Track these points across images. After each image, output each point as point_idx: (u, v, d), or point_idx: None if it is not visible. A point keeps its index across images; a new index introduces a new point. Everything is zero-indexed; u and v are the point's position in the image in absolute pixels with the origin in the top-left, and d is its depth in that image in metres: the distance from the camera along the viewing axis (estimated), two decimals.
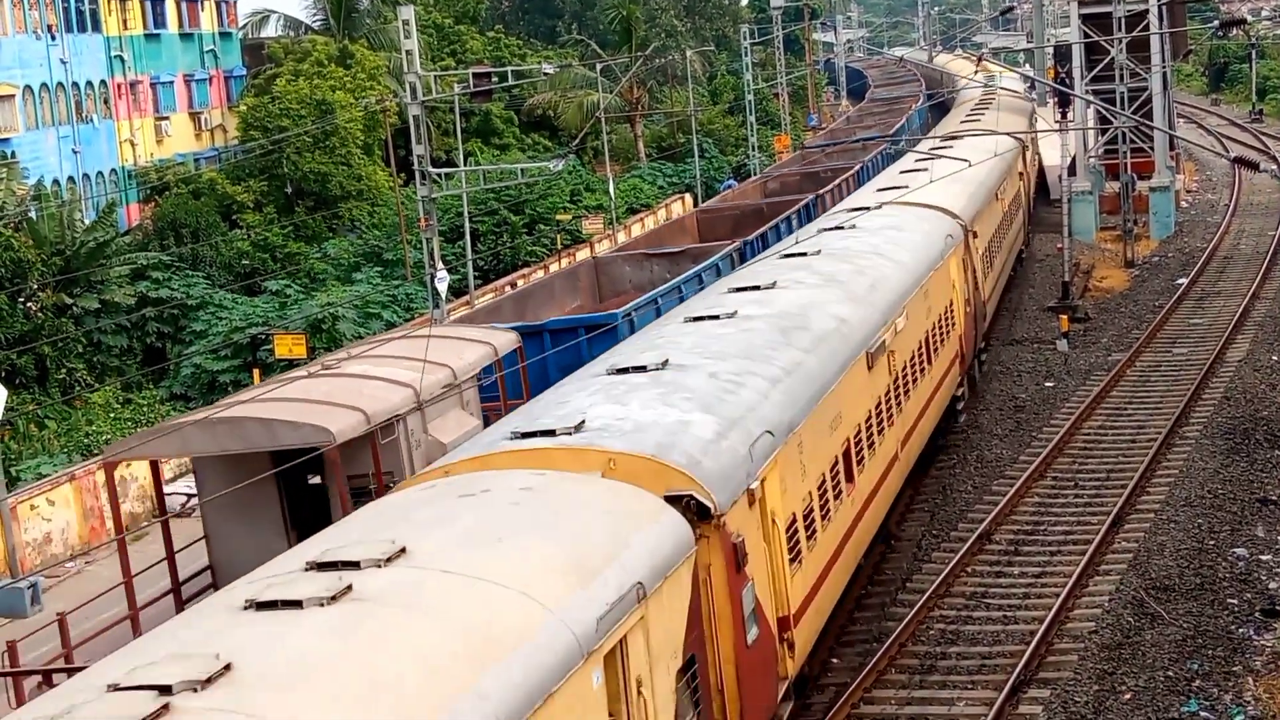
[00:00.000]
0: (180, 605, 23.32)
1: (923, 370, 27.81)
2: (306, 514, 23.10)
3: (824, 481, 20.18)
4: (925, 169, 38.73)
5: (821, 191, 49.67)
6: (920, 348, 27.67)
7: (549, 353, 27.81)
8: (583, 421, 16.80)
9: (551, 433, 16.56)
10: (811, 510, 19.37)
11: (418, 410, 23.91)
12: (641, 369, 19.34)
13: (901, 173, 41.68)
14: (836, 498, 20.76)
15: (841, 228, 31.22)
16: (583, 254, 54.25)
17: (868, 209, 33.79)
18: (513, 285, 52.14)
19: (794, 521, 18.52)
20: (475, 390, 26.61)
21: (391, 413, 23.16)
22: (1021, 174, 51.72)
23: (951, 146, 44.74)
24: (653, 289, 34.49)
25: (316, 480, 23.26)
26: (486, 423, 24.31)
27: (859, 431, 22.34)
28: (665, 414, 17.34)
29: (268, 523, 23.48)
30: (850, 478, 21.68)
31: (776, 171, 64.33)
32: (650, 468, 15.68)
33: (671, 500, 15.34)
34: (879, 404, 23.87)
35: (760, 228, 42.38)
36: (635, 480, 15.40)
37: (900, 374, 25.69)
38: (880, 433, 23.75)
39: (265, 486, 23.02)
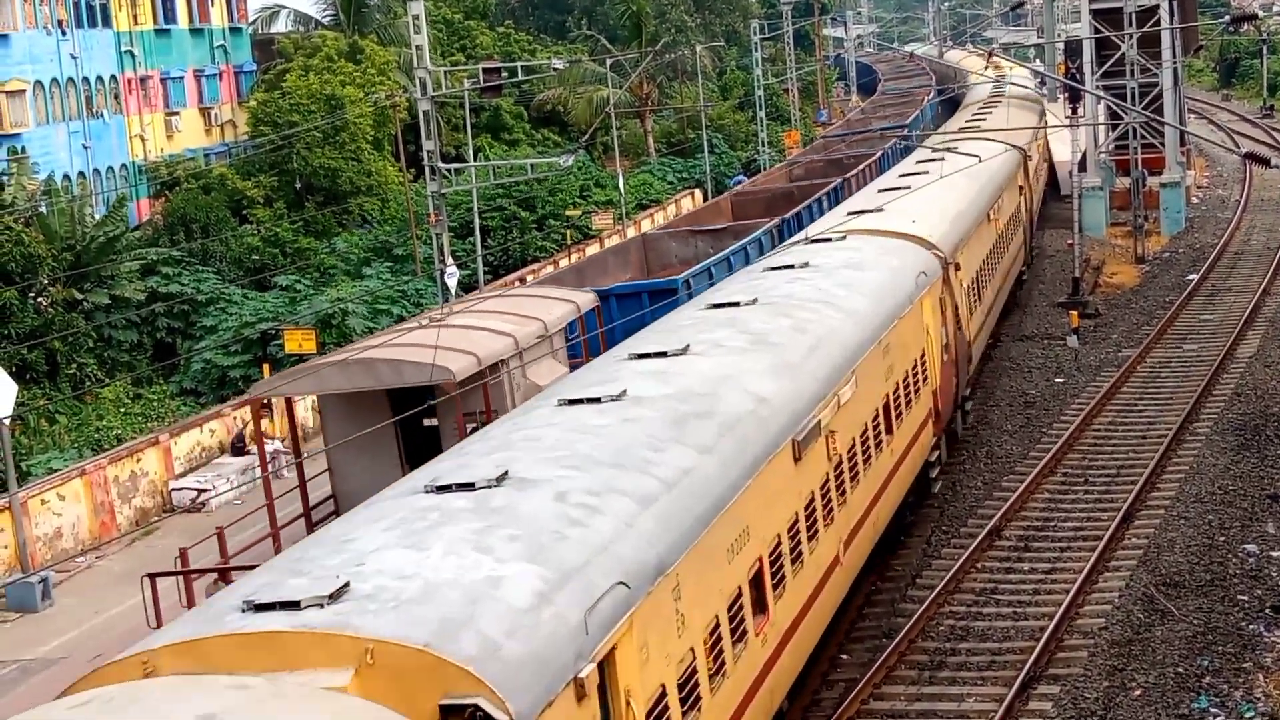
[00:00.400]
0: (310, 528, 25.45)
1: (878, 445, 22.80)
2: (419, 451, 24.94)
3: (718, 626, 15.54)
4: (907, 186, 35.21)
5: (847, 176, 53.06)
6: (875, 418, 22.83)
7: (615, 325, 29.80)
8: (346, 585, 11.98)
9: (295, 604, 11.72)
10: (695, 673, 14.70)
11: (518, 356, 26.92)
12: (469, 486, 14.53)
13: (880, 191, 36.26)
14: (740, 640, 16.18)
15: (792, 266, 26.35)
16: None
17: (829, 240, 29.40)
18: (522, 280, 52.17)
19: (663, 697, 13.84)
20: (564, 340, 29.73)
21: (497, 357, 26.14)
22: (1023, 187, 46.96)
23: (943, 159, 38.65)
24: (696, 263, 37.15)
25: (433, 422, 25.76)
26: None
27: (777, 546, 17.58)
28: (472, 565, 12.63)
29: (386, 458, 25.88)
30: (762, 608, 17.04)
31: (801, 159, 67.47)
32: (423, 664, 11.11)
33: (449, 714, 11.00)
34: (810, 503, 19.11)
35: (791, 209, 45.31)
36: (399, 685, 11.00)
37: (844, 458, 20.82)
38: (812, 539, 18.98)
39: (386, 429, 25.59)
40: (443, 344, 25.45)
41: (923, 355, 26.86)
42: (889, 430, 23.62)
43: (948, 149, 42.41)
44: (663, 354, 19.85)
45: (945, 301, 29.18)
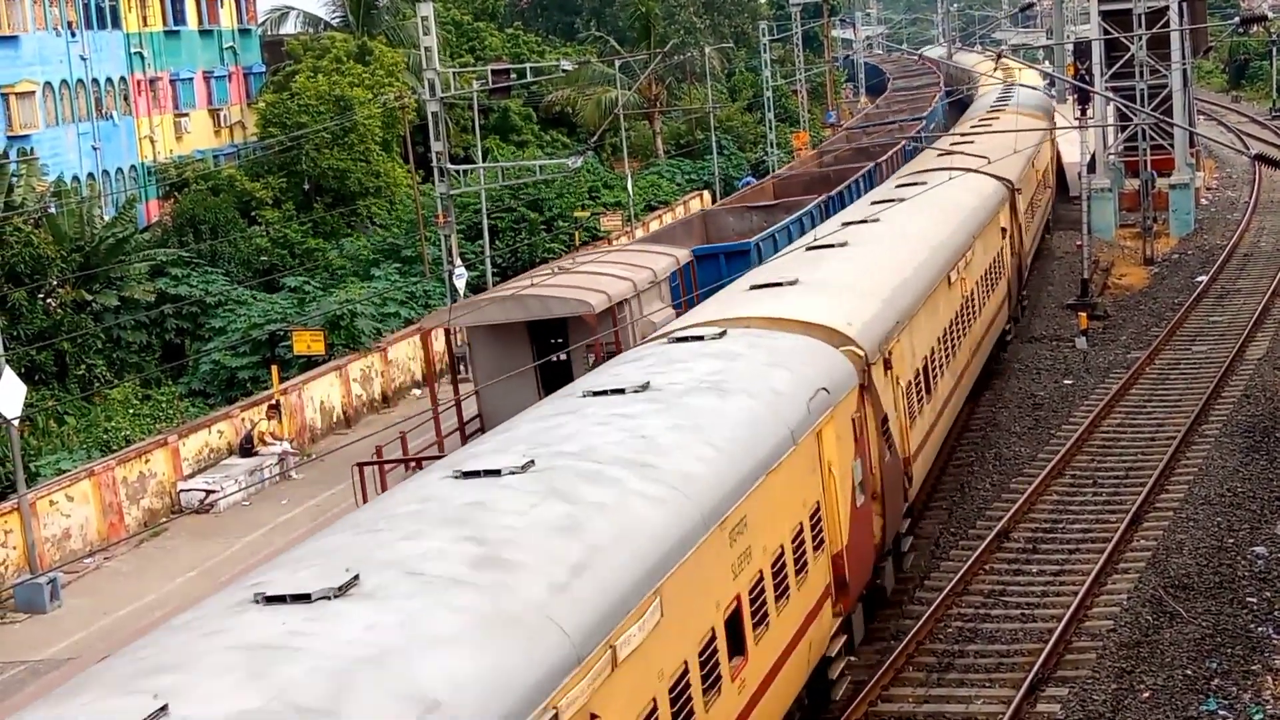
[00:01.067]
0: (464, 440, 30.02)
1: (714, 685, 15.02)
2: (554, 378, 29.30)
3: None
4: (843, 243, 28.42)
5: (879, 160, 58.64)
6: (708, 649, 14.93)
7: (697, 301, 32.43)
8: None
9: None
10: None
11: (636, 297, 32.41)
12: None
13: (807, 249, 28.47)
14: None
15: (624, 390, 18.32)
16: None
17: (700, 338, 21.13)
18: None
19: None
20: (669, 285, 35.01)
21: (622, 297, 31.46)
22: (1007, 229, 39.10)
23: (900, 202, 33.03)
24: (752, 235, 41.94)
25: (563, 356, 30.74)
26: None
27: None
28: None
29: (525, 383, 30.33)
30: None
31: (829, 148, 72.74)
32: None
33: None
34: None
35: (829, 190, 50.40)
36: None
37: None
38: None
39: (524, 356, 31.04)
40: (580, 285, 31.25)
41: (816, 511, 18.94)
42: (741, 652, 15.91)
43: (914, 183, 37.12)
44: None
45: (859, 422, 21.21)
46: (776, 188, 57.62)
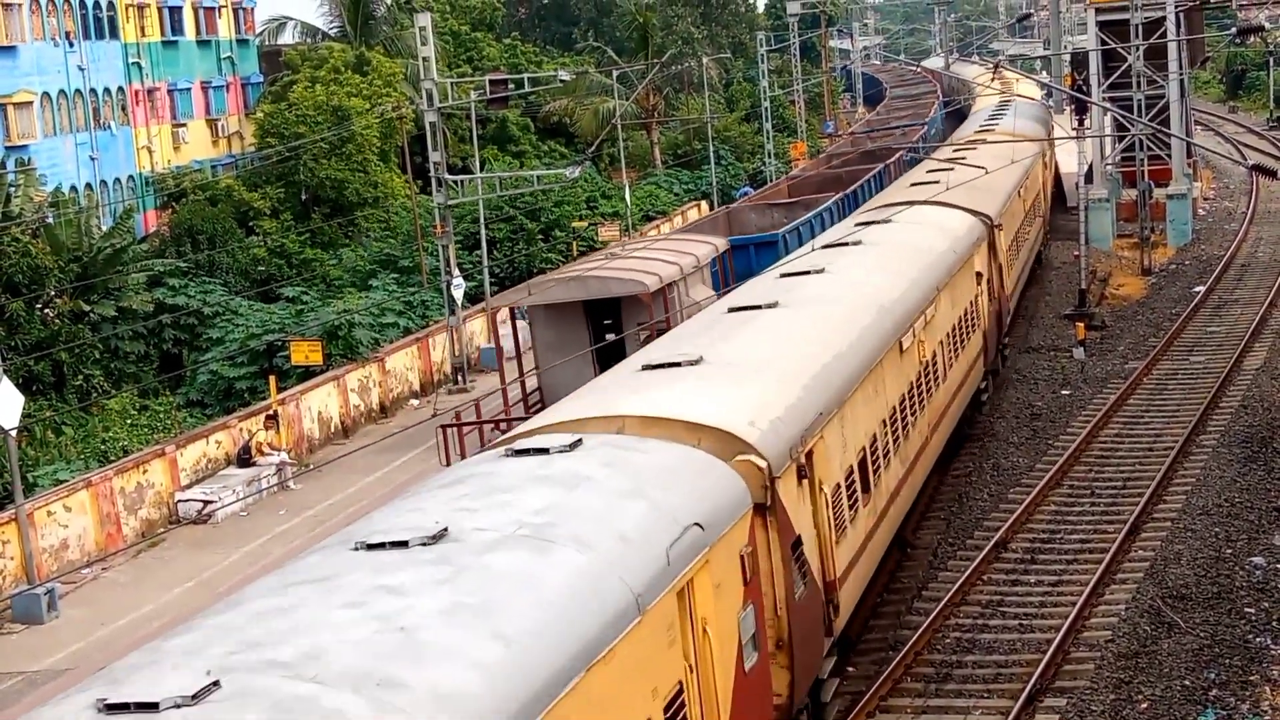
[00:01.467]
0: (528, 410, 33.47)
1: None
2: (608, 355, 31.33)
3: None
4: (772, 303, 23.69)
5: (888, 162, 61.82)
6: None
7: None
8: None
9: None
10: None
11: (683, 280, 35.61)
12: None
13: (730, 310, 24.12)
14: None
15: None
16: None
17: (545, 451, 15.90)
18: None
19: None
20: (710, 271, 38.51)
21: (671, 279, 34.60)
22: (981, 273, 33.92)
23: (858, 244, 29.44)
24: (772, 230, 46.22)
25: (611, 337, 33.57)
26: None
27: None
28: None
29: (583, 359, 32.45)
30: None
31: (836, 152, 76.43)
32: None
33: None
34: None
35: (843, 190, 53.62)
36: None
37: None
38: None
39: (582, 333, 34.17)
40: (634, 268, 34.32)
41: (677, 696, 13.96)
42: None
43: (875, 221, 33.20)
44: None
45: (758, 553, 16.58)
46: (791, 188, 61.84)
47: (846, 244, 29.45)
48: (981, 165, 41.98)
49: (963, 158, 46.01)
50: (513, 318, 37.35)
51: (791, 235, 43.46)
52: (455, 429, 31.99)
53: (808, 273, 26.41)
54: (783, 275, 26.74)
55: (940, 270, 29.22)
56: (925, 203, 35.19)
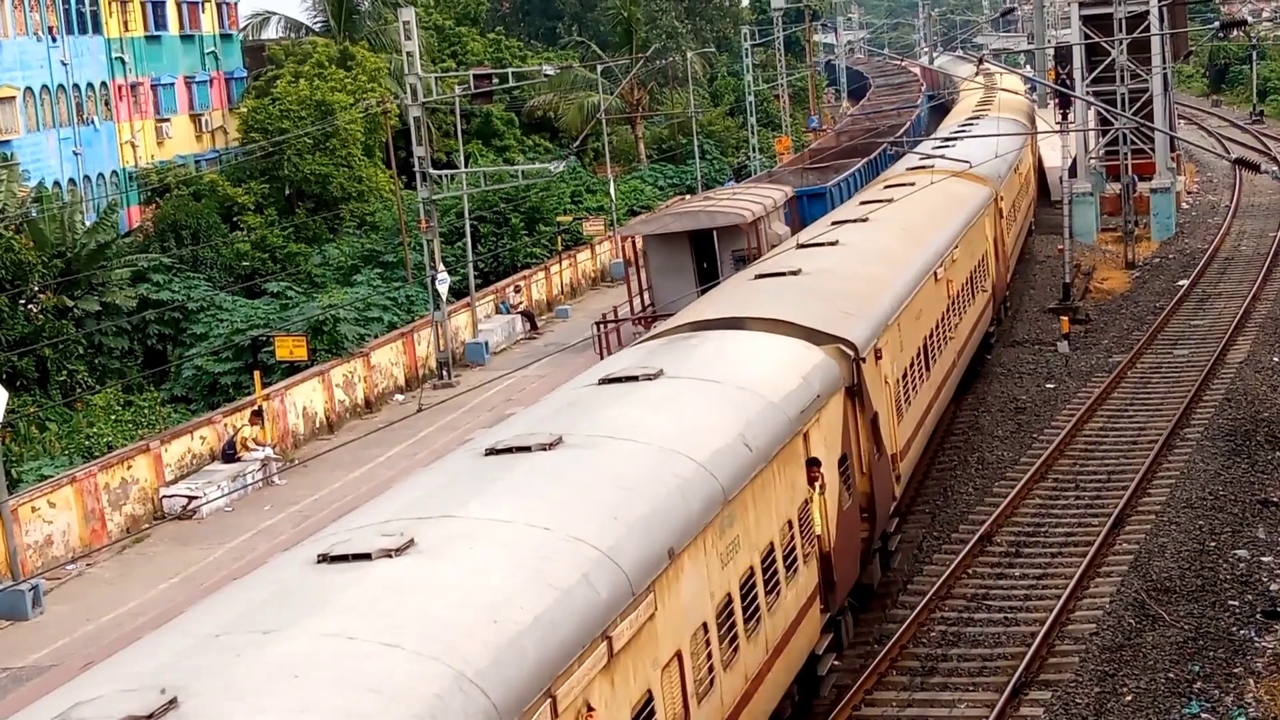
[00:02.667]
0: (649, 326, 36.21)
1: None
2: (705, 276, 41.63)
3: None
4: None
5: (898, 135, 67.21)
6: None
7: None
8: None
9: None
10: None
11: (766, 216, 45.08)
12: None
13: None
14: None
15: None
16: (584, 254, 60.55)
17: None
18: (515, 288, 52.25)
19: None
20: (783, 212, 48.28)
21: (760, 215, 44.20)
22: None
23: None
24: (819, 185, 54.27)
25: (706, 264, 43.49)
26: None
27: None
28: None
29: (686, 277, 42.89)
30: None
31: (843, 129, 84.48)
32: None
33: None
34: None
35: (863, 158, 61.25)
36: None
37: None
38: None
39: (685, 256, 43.70)
40: (732, 205, 44.68)
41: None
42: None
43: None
44: None
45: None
46: (812, 155, 70.67)
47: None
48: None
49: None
50: (633, 246, 46.58)
51: (835, 189, 53.09)
52: (603, 324, 43.73)
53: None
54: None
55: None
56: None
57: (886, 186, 38.11)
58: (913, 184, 36.73)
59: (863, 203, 35.53)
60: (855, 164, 59.11)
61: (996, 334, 41.34)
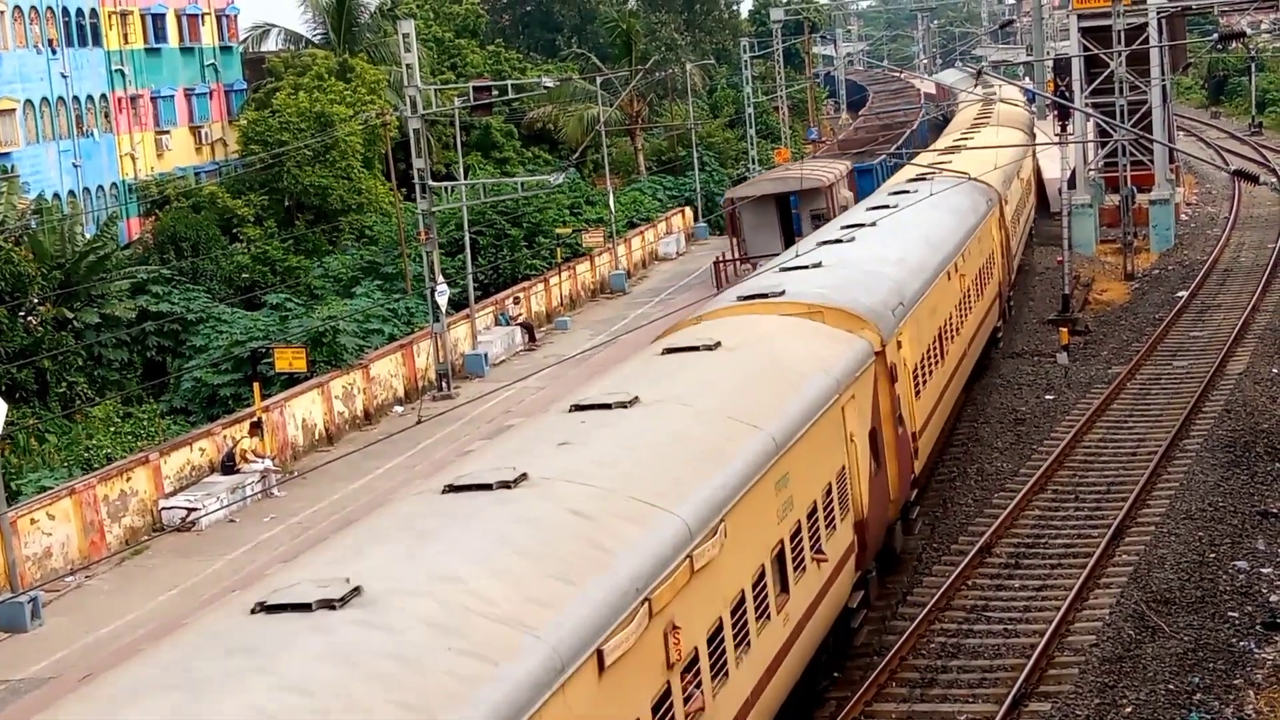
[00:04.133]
0: (737, 271, 54.35)
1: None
2: (788, 231, 54.86)
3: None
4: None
5: (913, 128, 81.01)
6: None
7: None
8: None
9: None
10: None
11: (838, 182, 56.95)
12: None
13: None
14: None
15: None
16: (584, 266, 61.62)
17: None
18: (515, 300, 52.27)
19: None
20: (845, 182, 59.83)
21: (833, 181, 56.36)
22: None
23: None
24: (843, 174, 61.14)
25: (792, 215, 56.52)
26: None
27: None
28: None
29: (773, 232, 55.96)
30: None
31: (860, 125, 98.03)
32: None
33: None
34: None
35: (892, 143, 71.74)
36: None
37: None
38: None
39: (772, 215, 56.39)
40: (809, 172, 56.90)
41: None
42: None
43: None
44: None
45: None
46: (841, 145, 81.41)
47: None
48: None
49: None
50: (731, 206, 57.49)
51: (879, 167, 63.60)
52: (720, 263, 56.93)
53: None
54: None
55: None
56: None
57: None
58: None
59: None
60: (885, 150, 69.30)
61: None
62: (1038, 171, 65.48)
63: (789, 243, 47.17)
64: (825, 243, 31.06)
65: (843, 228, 33.81)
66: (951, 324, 31.90)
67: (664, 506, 15.29)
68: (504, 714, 11.14)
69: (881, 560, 24.38)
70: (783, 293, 24.97)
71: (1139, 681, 21.15)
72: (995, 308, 40.59)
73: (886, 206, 35.24)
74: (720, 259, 57.53)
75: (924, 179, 40.82)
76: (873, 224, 32.46)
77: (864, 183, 59.81)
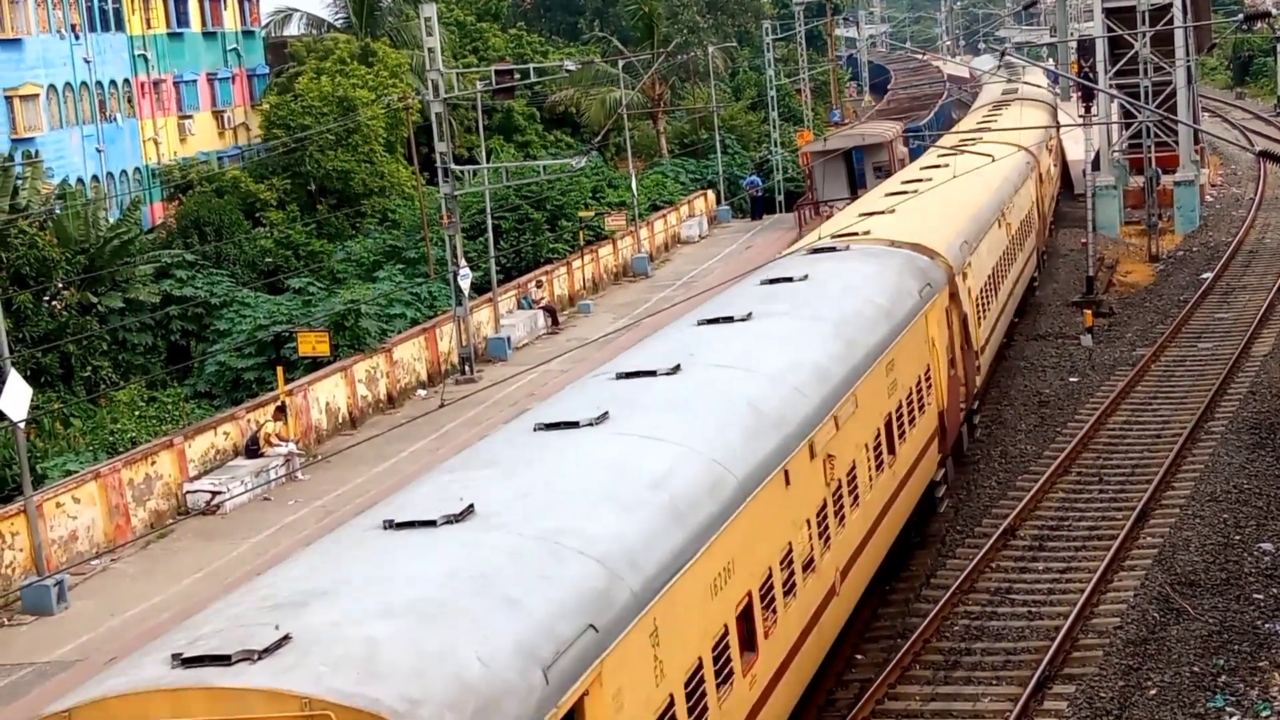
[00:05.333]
0: (817, 212, 63.86)
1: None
2: (853, 180, 64.23)
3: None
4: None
5: (945, 101, 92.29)
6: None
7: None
8: None
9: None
10: None
11: (894, 140, 66.74)
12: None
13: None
14: None
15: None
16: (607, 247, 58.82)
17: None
18: (537, 283, 52.28)
19: None
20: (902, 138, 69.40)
21: (894, 139, 66.71)
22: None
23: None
24: (892, 133, 68.79)
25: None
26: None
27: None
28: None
29: (841, 182, 64.71)
30: None
31: (894, 95, 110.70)
32: None
33: None
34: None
35: (930, 111, 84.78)
36: None
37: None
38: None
39: (841, 167, 65.20)
40: (874, 131, 67.59)
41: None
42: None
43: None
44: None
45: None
46: (879, 113, 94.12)
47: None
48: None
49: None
50: (807, 160, 69.18)
51: (925, 126, 74.32)
52: (801, 208, 67.18)
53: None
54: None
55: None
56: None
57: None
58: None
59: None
60: (925, 115, 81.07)
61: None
62: (1062, 152, 65.33)
63: (854, 190, 61.43)
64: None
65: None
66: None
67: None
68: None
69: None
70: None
71: (1163, 664, 21.10)
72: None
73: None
74: (801, 204, 69.34)
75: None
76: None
77: (914, 141, 70.72)
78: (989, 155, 40.90)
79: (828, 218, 47.42)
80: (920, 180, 36.80)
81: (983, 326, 32.03)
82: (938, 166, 39.93)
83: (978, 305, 31.26)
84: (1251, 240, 55.85)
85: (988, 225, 34.44)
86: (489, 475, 14.86)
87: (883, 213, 31.14)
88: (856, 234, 29.08)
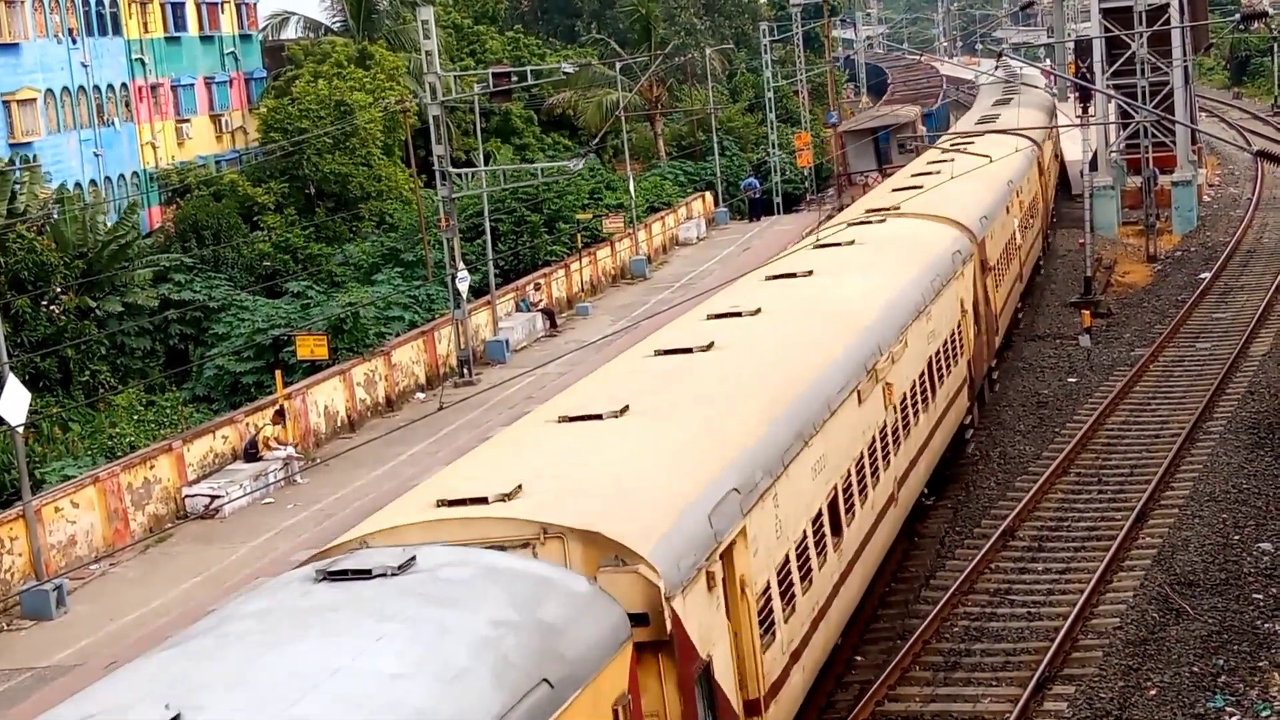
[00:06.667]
0: (851, 181, 74.87)
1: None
2: (881, 157, 74.14)
3: None
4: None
5: (945, 99, 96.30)
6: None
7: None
8: None
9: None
10: None
11: (915, 120, 78.91)
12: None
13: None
14: None
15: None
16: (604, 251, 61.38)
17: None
18: (535, 286, 52.27)
19: None
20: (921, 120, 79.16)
21: (912, 119, 78.59)
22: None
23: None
24: (906, 120, 78.09)
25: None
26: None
27: None
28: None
29: (869, 157, 75.21)
30: None
31: (894, 94, 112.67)
32: None
33: None
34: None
35: (940, 99, 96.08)
36: None
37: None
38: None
39: (869, 144, 74.26)
40: (894, 114, 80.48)
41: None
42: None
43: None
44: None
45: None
46: (889, 101, 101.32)
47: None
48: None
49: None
50: (838, 138, 77.57)
51: (938, 111, 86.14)
52: (836, 180, 74.20)
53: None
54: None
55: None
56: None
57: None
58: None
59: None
60: (934, 103, 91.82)
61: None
62: (1059, 150, 65.38)
63: (880, 163, 72.83)
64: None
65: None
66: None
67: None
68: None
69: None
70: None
71: (1163, 664, 21.10)
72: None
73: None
74: (836, 175, 77.85)
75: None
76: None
77: (929, 123, 79.42)
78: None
79: (864, 186, 56.62)
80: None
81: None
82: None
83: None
84: (1249, 240, 55.86)
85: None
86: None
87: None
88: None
